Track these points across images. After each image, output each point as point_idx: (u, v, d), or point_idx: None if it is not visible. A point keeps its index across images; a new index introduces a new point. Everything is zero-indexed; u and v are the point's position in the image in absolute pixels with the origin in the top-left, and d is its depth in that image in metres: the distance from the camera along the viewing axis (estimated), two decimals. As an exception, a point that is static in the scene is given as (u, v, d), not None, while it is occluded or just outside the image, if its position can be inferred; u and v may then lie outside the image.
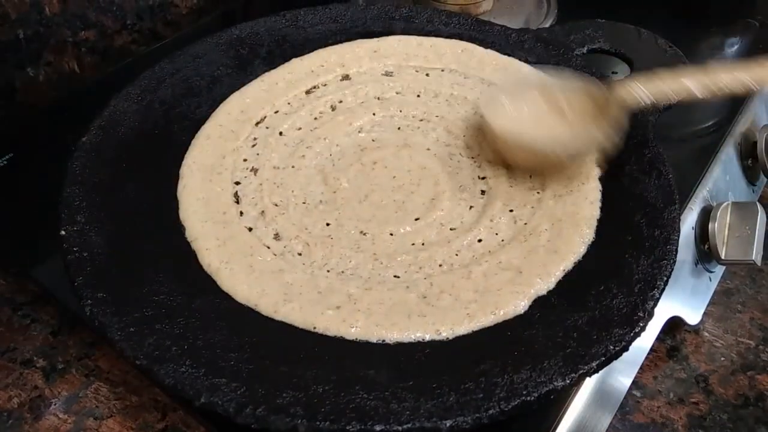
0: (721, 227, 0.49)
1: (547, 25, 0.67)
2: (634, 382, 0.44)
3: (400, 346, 0.37)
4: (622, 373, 0.43)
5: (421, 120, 0.52)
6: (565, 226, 0.43)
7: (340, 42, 0.57)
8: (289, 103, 0.53)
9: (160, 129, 0.50)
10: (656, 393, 0.46)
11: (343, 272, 0.41)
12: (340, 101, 0.53)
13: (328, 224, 0.44)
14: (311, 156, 0.49)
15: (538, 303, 0.39)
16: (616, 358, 0.35)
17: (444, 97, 0.54)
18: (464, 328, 0.38)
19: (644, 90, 0.45)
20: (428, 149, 0.50)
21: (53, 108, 0.61)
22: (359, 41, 0.57)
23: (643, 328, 0.36)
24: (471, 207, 0.45)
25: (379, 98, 0.54)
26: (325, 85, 0.55)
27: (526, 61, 0.55)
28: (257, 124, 0.51)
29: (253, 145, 0.50)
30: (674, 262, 0.40)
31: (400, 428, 0.32)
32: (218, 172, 0.47)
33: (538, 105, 0.48)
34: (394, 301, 0.39)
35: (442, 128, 0.51)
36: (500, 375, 0.34)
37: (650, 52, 0.56)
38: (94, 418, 0.42)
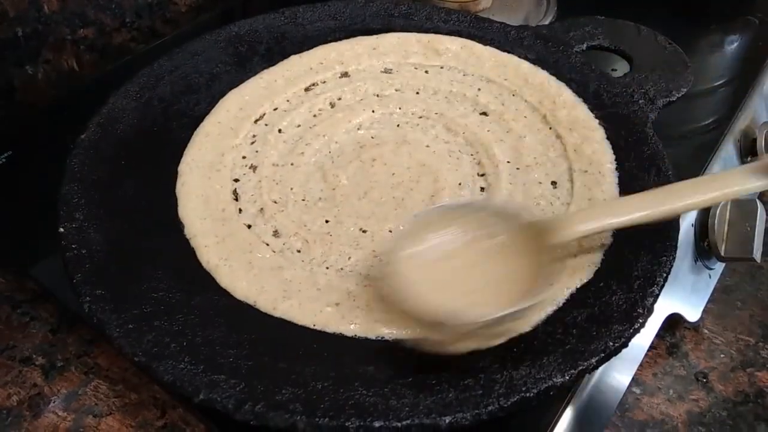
0: (720, 224, 0.49)
1: (546, 22, 0.67)
2: (633, 379, 0.44)
3: (399, 342, 0.37)
4: (621, 370, 0.43)
5: (421, 117, 0.52)
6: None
7: (339, 39, 0.57)
8: (288, 101, 0.53)
9: (158, 126, 0.50)
10: (656, 390, 0.46)
11: (342, 269, 0.41)
12: (339, 98, 0.53)
13: (327, 221, 0.44)
14: (310, 153, 0.49)
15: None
16: (615, 355, 0.35)
17: (443, 94, 0.54)
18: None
19: (586, 226, 0.38)
20: (427, 146, 0.49)
21: (52, 106, 0.61)
22: (358, 38, 0.57)
23: (642, 325, 0.36)
24: (470, 204, 0.45)
25: (378, 95, 0.54)
26: (324, 82, 0.55)
27: (526, 58, 0.55)
28: (256, 121, 0.51)
29: (252, 143, 0.50)
30: (674, 258, 0.39)
31: (399, 424, 0.32)
32: (217, 170, 0.47)
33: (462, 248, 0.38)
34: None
35: (441, 125, 0.51)
36: (499, 371, 0.34)
37: (650, 49, 0.56)
38: (94, 415, 0.41)
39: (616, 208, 0.40)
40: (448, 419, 0.32)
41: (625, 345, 0.36)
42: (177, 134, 0.49)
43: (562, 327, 0.37)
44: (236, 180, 0.47)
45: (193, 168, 0.47)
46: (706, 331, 0.50)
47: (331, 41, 0.57)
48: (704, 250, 0.50)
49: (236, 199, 0.46)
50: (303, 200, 0.46)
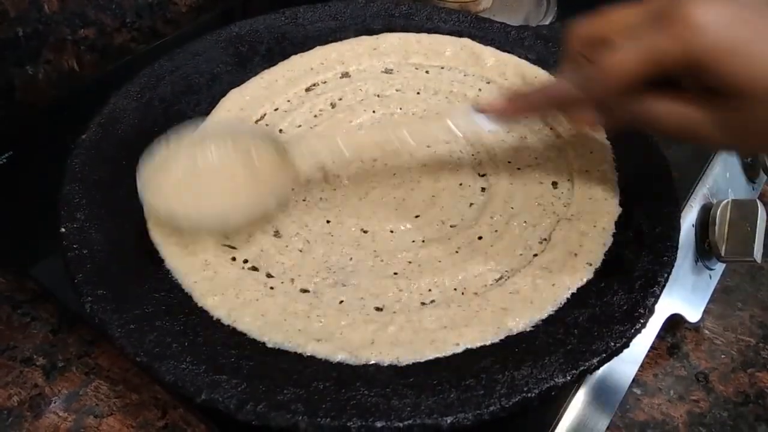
0: (721, 225, 0.49)
1: (546, 22, 0.67)
2: (634, 380, 0.44)
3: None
4: (622, 371, 0.43)
5: (421, 117, 0.52)
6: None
7: (340, 39, 0.57)
8: (288, 101, 0.53)
9: (159, 126, 0.49)
10: (656, 390, 0.46)
11: (343, 269, 0.41)
12: (340, 99, 0.53)
13: (328, 221, 0.44)
14: (311, 153, 0.49)
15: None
16: (616, 355, 0.35)
17: (444, 94, 0.54)
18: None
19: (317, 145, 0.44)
20: (428, 146, 0.49)
21: (52, 106, 0.61)
22: (359, 39, 0.57)
23: (643, 325, 0.36)
24: (471, 204, 0.45)
25: (378, 96, 0.54)
26: (325, 82, 0.55)
27: (526, 59, 0.55)
28: (257, 121, 0.51)
29: (253, 143, 0.50)
30: (675, 259, 0.40)
31: (401, 425, 0.32)
32: (218, 170, 0.47)
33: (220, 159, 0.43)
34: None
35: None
36: (501, 372, 0.34)
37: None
38: (95, 416, 0.41)
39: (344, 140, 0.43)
40: (449, 419, 0.32)
41: (626, 345, 0.36)
42: (178, 134, 0.49)
43: (563, 327, 0.37)
44: (237, 180, 0.47)
45: (194, 168, 0.47)
46: (706, 331, 0.50)
47: (331, 41, 0.57)
48: (705, 250, 0.50)
49: (237, 199, 0.46)
50: (304, 200, 0.46)
